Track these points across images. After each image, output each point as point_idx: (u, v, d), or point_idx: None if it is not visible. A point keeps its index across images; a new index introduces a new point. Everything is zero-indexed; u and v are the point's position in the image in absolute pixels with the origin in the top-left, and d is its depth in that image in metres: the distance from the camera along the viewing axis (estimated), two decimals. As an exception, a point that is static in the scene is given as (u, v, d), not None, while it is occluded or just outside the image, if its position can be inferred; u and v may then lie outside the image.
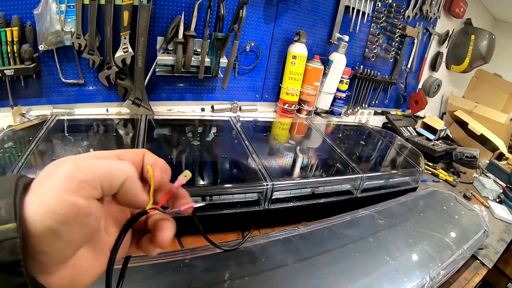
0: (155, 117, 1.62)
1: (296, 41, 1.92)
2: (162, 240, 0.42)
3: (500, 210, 1.86)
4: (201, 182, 1.12)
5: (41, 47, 1.31)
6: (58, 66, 1.40)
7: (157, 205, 0.43)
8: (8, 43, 1.24)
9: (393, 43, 2.44)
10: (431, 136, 2.57)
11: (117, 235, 0.42)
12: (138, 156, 0.43)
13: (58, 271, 0.34)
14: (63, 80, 1.44)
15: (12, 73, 1.27)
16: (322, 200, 1.32)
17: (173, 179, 0.45)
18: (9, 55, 1.26)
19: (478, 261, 1.37)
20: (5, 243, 0.28)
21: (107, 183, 0.35)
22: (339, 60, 2.05)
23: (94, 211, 0.34)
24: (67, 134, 1.33)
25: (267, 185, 1.15)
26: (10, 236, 0.28)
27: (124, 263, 0.47)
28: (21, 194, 0.31)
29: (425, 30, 2.77)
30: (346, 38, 2.03)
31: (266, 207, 1.18)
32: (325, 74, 2.09)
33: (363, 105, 2.57)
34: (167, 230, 0.43)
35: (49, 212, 0.30)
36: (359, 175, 1.39)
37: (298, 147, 1.65)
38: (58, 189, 0.31)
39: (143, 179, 0.43)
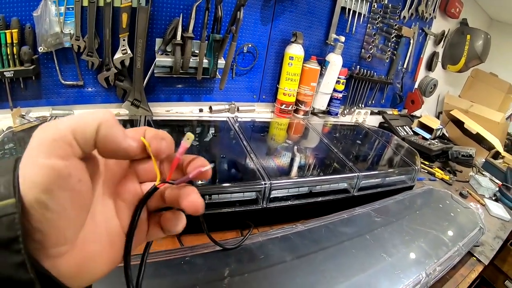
0: (154, 118, 1.63)
1: (293, 42, 1.94)
2: (190, 204, 0.39)
3: (496, 208, 1.88)
4: (200, 182, 1.14)
5: (40, 49, 1.31)
6: (57, 67, 1.40)
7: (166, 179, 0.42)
8: (7, 45, 1.24)
9: (389, 43, 2.46)
10: (427, 135, 2.58)
11: (131, 218, 0.41)
12: (139, 132, 0.39)
13: (64, 255, 0.32)
14: (62, 81, 1.44)
15: (12, 75, 1.27)
16: (320, 199, 1.34)
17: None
18: (9, 57, 1.26)
19: (474, 258, 1.39)
20: (3, 219, 0.27)
21: (80, 135, 0.31)
22: (335, 60, 2.07)
23: (75, 172, 0.31)
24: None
25: (265, 184, 1.16)
26: (9, 212, 0.27)
27: (144, 249, 0.46)
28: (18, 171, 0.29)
29: (421, 31, 2.79)
30: (342, 39, 2.04)
31: (265, 205, 1.19)
32: (321, 75, 2.11)
33: (360, 105, 2.58)
34: (192, 194, 0.40)
35: (29, 182, 0.28)
36: (356, 174, 1.41)
37: (296, 147, 1.66)
38: (33, 156, 0.29)
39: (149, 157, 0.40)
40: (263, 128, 1.92)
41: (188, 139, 0.41)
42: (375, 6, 2.25)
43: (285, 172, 1.37)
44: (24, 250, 0.27)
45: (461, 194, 1.97)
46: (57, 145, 0.30)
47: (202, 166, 0.41)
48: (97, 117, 0.32)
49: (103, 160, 0.38)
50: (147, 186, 0.43)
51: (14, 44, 1.25)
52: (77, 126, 0.31)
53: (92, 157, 0.35)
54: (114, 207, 0.40)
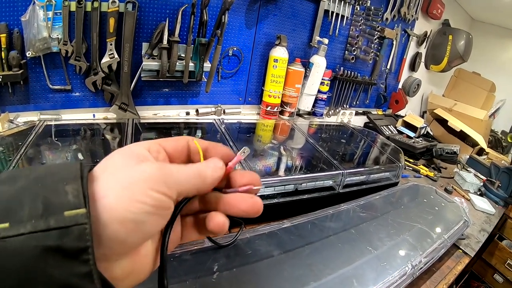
0: (141, 121, 1.64)
1: (277, 45, 1.96)
2: (251, 206, 0.42)
3: (481, 202, 1.92)
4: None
5: (28, 54, 1.31)
6: (45, 72, 1.41)
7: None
8: (-4, 49, 1.25)
9: (372, 45, 2.48)
10: (411, 134, 2.62)
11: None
12: (180, 142, 0.43)
13: (121, 259, 0.34)
14: (50, 86, 1.44)
15: (0, 80, 1.27)
16: (305, 196, 1.35)
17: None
18: (-3, 61, 1.26)
19: (460, 251, 1.42)
20: (73, 228, 0.27)
21: (184, 192, 0.37)
22: (319, 62, 2.09)
23: (172, 206, 0.36)
24: (55, 139, 1.34)
25: (250, 182, 1.17)
26: (80, 222, 0.28)
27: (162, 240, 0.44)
28: (87, 180, 0.31)
29: (403, 32, 2.83)
30: (326, 41, 2.07)
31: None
32: (306, 77, 2.13)
33: (345, 105, 2.61)
34: (253, 197, 0.43)
35: (135, 202, 0.31)
36: (340, 171, 1.43)
37: (281, 147, 1.68)
38: (143, 184, 0.33)
39: (190, 161, 0.44)
40: (249, 130, 1.94)
41: (244, 152, 0.44)
42: (358, 9, 2.29)
43: (271, 171, 1.39)
44: (93, 261, 0.28)
45: (446, 190, 2.01)
46: (166, 189, 0.34)
47: (253, 181, 0.44)
48: (201, 187, 0.39)
49: None
50: None
51: (2, 49, 1.25)
52: (185, 188, 0.37)
53: None
54: None
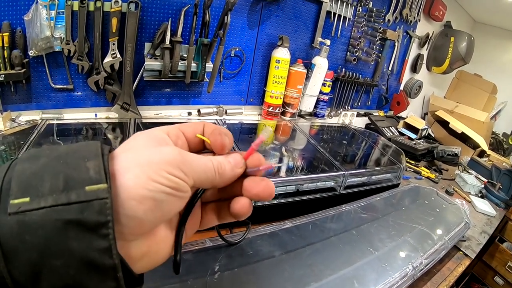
0: (143, 121, 1.64)
1: (279, 45, 1.96)
2: (264, 188, 0.43)
3: (482, 204, 1.92)
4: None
5: (31, 53, 1.31)
6: (47, 71, 1.40)
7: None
8: (-2, 48, 1.25)
9: (374, 46, 2.48)
10: (413, 136, 2.62)
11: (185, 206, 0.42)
12: (198, 127, 0.44)
13: (138, 240, 0.34)
14: (53, 85, 1.44)
15: (2, 79, 1.27)
16: (307, 197, 1.35)
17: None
18: (0, 60, 1.26)
19: (461, 252, 1.42)
20: (94, 202, 0.28)
21: (199, 182, 0.37)
22: (321, 63, 2.10)
23: (189, 190, 0.36)
24: (57, 139, 1.34)
25: (252, 182, 1.17)
26: (101, 197, 0.28)
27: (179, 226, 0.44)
28: (108, 157, 0.32)
29: (405, 33, 2.83)
30: (328, 42, 2.07)
31: (253, 204, 1.20)
32: (308, 78, 2.13)
33: (346, 107, 2.60)
34: (265, 180, 0.44)
35: (151, 181, 0.31)
36: (342, 172, 1.43)
37: (283, 148, 1.67)
38: (160, 165, 0.33)
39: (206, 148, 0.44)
40: (251, 130, 1.94)
41: (267, 132, 0.44)
42: (360, 10, 2.29)
43: (272, 172, 1.39)
44: (112, 236, 0.29)
45: (447, 192, 2.01)
46: (182, 174, 0.35)
47: (263, 162, 0.45)
48: (214, 178, 0.39)
49: None
50: None
51: (5, 48, 1.25)
52: (201, 177, 0.38)
53: None
54: None
